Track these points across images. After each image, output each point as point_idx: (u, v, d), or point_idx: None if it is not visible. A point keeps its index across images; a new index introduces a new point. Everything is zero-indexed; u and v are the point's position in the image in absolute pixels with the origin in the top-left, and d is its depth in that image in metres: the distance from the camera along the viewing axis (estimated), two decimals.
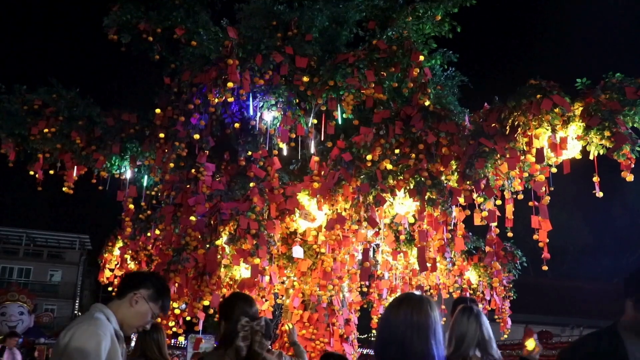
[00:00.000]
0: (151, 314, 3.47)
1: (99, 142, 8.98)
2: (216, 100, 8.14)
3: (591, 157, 7.05)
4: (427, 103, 8.40)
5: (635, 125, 6.86)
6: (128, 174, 9.51)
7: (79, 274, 46.03)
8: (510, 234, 8.42)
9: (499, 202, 8.04)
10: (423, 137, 7.88)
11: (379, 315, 10.95)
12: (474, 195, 7.79)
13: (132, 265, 10.51)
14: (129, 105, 9.41)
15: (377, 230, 9.24)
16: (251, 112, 8.45)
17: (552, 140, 7.10)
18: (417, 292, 2.94)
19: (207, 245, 8.02)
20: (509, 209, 8.13)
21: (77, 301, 45.40)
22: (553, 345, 24.57)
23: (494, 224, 8.22)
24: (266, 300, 9.72)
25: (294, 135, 8.62)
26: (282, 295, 10.25)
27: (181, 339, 23.12)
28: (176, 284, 7.87)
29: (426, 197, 7.91)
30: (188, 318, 8.49)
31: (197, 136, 8.25)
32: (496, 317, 11.26)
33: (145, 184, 9.82)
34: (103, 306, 3.35)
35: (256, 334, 3.80)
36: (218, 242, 8.17)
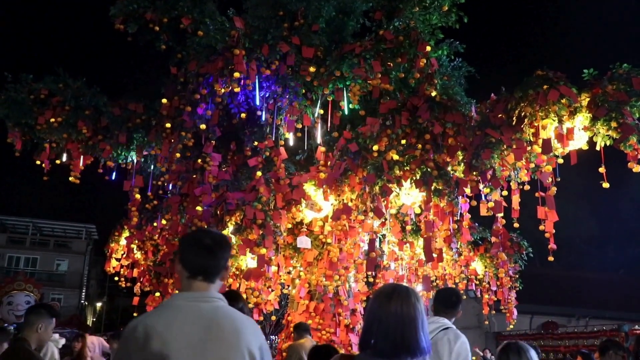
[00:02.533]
0: None
1: (106, 131, 9.00)
2: (222, 90, 8.13)
3: (598, 148, 7.03)
4: (433, 93, 8.39)
5: None
6: (134, 164, 9.54)
7: (85, 263, 46.25)
8: (516, 225, 8.42)
9: (505, 192, 8.04)
10: (429, 128, 7.87)
11: None
12: (481, 186, 7.79)
13: (138, 255, 10.54)
14: (136, 95, 9.41)
15: (383, 220, 9.24)
16: (257, 102, 8.45)
17: (559, 131, 7.08)
18: (403, 284, 3.02)
19: None
20: (515, 199, 8.13)
21: (83, 290, 45.63)
22: (559, 335, 24.66)
23: (500, 215, 8.22)
24: (272, 290, 9.76)
25: (300, 126, 8.63)
26: (289, 285, 10.28)
27: None
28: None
29: (432, 187, 7.91)
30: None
31: (203, 126, 8.26)
32: (502, 307, 11.32)
33: (151, 173, 9.84)
34: None
35: None
36: (224, 232, 8.18)
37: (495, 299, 11.25)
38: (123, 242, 11.15)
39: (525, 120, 7.21)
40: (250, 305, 9.72)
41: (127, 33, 8.99)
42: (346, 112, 8.73)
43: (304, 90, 8.61)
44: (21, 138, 8.93)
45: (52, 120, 8.72)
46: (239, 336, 2.68)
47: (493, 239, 8.99)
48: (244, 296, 9.06)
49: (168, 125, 8.48)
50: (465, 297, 12.23)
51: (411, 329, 2.76)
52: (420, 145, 7.93)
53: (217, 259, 2.86)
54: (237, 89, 8.19)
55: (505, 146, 7.35)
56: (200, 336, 2.63)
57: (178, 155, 8.53)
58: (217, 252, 2.86)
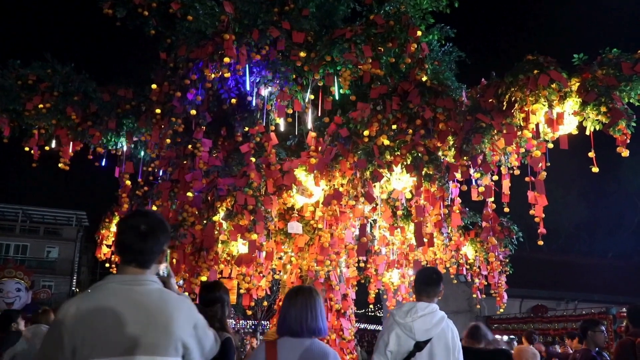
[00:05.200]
0: None
1: (95, 117, 8.92)
2: (213, 75, 8.09)
3: (587, 133, 7.05)
4: (424, 78, 8.38)
5: (631, 101, 6.85)
6: (124, 150, 9.49)
7: (76, 250, 46.17)
8: (506, 209, 8.46)
9: (495, 177, 8.06)
10: (420, 113, 7.86)
11: (376, 290, 11.05)
12: (471, 171, 7.80)
13: None
14: (125, 80, 9.33)
15: (374, 205, 9.26)
16: (248, 88, 8.41)
17: (549, 116, 7.09)
18: (307, 285, 4.26)
19: (205, 221, 8.02)
20: (506, 184, 8.15)
21: (74, 277, 45.57)
22: (548, 318, 24.94)
23: (490, 200, 8.24)
24: (264, 276, 9.77)
25: (290, 111, 8.60)
26: (280, 271, 10.29)
27: None
28: (173, 260, 7.89)
29: (423, 172, 7.91)
30: (186, 294, 8.51)
31: (193, 112, 8.22)
32: (492, 291, 11.40)
33: (142, 159, 9.79)
34: None
35: (211, 319, 4.13)
36: (215, 218, 8.18)
37: (486, 283, 11.32)
38: (114, 228, 11.11)
39: (516, 105, 7.21)
40: (242, 291, 9.74)
41: (115, 18, 8.89)
42: (337, 97, 8.71)
43: (294, 76, 8.58)
44: (9, 124, 8.83)
45: (41, 106, 8.63)
46: (169, 319, 2.69)
47: (483, 224, 9.03)
48: (235, 282, 9.09)
49: (158, 111, 8.42)
50: (455, 281, 12.38)
51: (312, 316, 3.81)
52: (411, 130, 7.91)
53: (150, 246, 2.80)
54: (227, 74, 8.15)
55: (495, 131, 7.35)
56: (131, 319, 2.62)
57: (168, 141, 8.49)
58: (150, 239, 2.80)
